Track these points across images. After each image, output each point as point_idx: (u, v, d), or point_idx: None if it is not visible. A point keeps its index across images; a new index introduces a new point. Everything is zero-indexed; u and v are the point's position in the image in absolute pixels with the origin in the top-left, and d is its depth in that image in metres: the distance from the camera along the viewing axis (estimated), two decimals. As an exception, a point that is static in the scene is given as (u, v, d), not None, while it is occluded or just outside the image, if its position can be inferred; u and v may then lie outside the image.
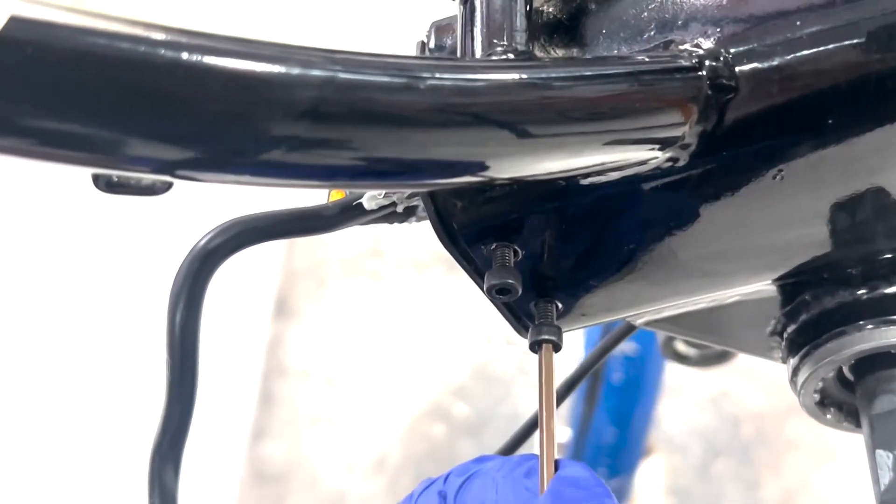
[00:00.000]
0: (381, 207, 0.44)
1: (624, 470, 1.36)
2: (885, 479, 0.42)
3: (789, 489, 1.61)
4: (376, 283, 1.89)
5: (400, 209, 0.44)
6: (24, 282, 1.70)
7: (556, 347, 0.42)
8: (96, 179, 0.31)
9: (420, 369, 1.77)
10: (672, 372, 1.46)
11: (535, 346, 0.42)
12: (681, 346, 0.77)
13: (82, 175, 0.32)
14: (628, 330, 0.56)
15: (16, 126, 0.26)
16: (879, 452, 0.42)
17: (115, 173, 0.30)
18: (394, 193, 0.43)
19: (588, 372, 0.59)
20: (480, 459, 0.43)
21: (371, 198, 0.44)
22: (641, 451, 1.42)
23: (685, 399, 1.69)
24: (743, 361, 1.65)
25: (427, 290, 1.87)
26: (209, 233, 0.43)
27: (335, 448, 1.70)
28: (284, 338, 1.82)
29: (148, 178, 0.31)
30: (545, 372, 0.41)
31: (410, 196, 0.44)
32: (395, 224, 0.46)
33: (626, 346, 1.23)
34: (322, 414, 1.74)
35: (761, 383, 1.69)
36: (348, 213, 0.45)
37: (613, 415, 1.28)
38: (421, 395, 1.75)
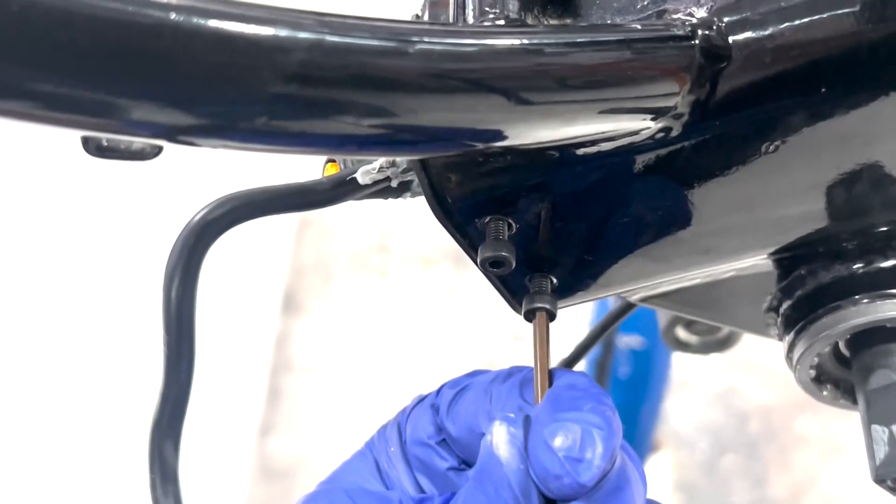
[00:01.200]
0: (376, 182, 0.44)
1: (631, 465, 1.35)
2: (881, 453, 0.42)
3: (797, 485, 1.60)
4: (384, 278, 1.89)
5: (394, 184, 0.44)
6: (21, 256, 1.70)
7: (551, 316, 0.42)
8: (86, 143, 0.31)
9: (427, 365, 1.77)
10: (679, 367, 1.45)
11: (529, 315, 0.42)
12: (682, 333, 0.77)
13: (74, 144, 0.33)
14: (627, 307, 0.56)
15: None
16: (875, 427, 0.42)
17: (104, 136, 0.30)
18: (388, 168, 0.43)
19: (588, 349, 0.58)
20: (473, 374, 0.43)
21: (365, 172, 0.43)
22: (648, 447, 1.41)
23: (692, 394, 1.68)
24: (750, 356, 1.65)
25: (434, 286, 1.87)
26: (204, 207, 0.43)
27: (343, 443, 1.70)
28: (292, 333, 1.82)
29: (137, 141, 0.31)
30: (539, 340, 0.41)
31: (405, 171, 0.43)
32: (390, 199, 0.46)
33: (633, 341, 1.22)
34: (330, 409, 1.74)
35: (769, 378, 1.68)
36: (343, 188, 0.44)
37: (620, 410, 1.27)
38: (428, 391, 1.74)
